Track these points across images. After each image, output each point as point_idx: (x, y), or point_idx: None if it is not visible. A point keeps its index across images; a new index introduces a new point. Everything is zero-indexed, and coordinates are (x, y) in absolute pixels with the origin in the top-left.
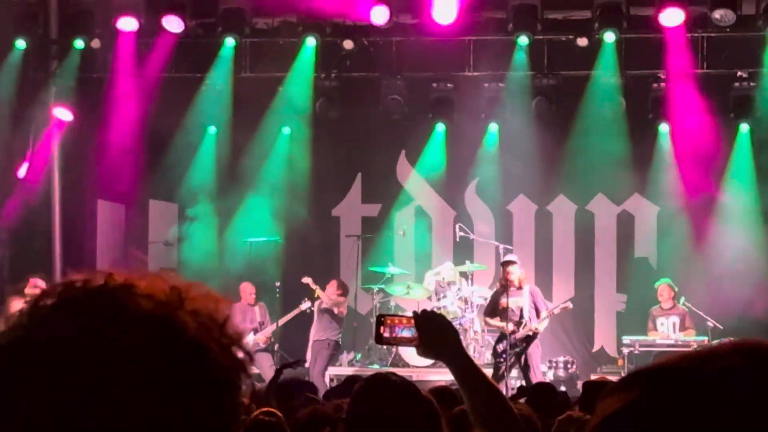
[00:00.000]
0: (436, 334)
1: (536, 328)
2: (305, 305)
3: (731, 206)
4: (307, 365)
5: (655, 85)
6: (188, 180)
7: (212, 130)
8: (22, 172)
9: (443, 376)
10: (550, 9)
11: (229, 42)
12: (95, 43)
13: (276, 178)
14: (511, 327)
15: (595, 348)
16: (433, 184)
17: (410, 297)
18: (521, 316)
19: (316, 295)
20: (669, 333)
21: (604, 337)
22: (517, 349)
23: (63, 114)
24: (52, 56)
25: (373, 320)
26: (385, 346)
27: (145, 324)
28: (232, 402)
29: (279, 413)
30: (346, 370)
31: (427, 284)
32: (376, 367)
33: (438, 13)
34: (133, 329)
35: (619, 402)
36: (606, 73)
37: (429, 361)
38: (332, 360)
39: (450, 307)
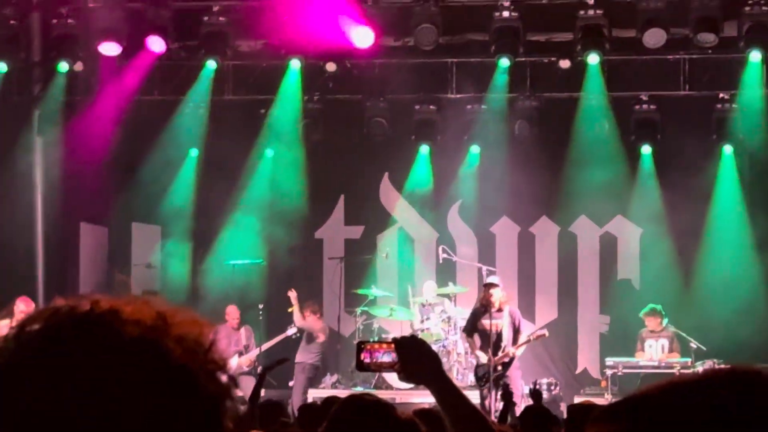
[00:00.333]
0: (416, 358)
1: (513, 353)
2: (291, 331)
3: (714, 228)
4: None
5: (637, 106)
6: (171, 202)
7: (194, 152)
8: None
9: (427, 398)
10: (532, 31)
11: (211, 64)
12: (78, 66)
13: (259, 200)
14: (484, 358)
15: (579, 370)
16: (416, 206)
17: (393, 319)
18: (499, 339)
19: (290, 310)
20: (657, 355)
21: (587, 359)
22: (497, 374)
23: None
24: (35, 79)
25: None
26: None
27: (132, 350)
28: (217, 428)
29: None
30: (330, 393)
31: (411, 306)
32: (359, 389)
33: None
34: (120, 355)
35: None
36: (590, 95)
37: (412, 383)
38: (311, 383)
39: (434, 328)
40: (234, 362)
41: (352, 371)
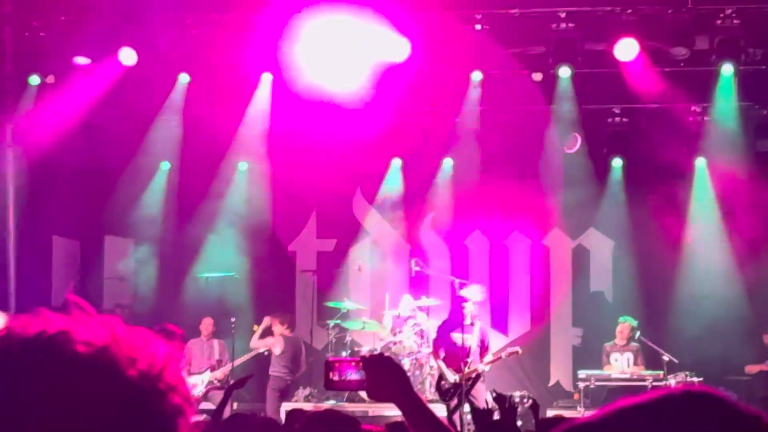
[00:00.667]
0: (383, 376)
1: (481, 370)
2: (263, 348)
3: (688, 240)
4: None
5: (610, 119)
6: (143, 215)
7: (166, 165)
8: None
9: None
10: (504, 44)
11: (183, 78)
12: (50, 79)
13: (232, 213)
14: (452, 378)
15: (551, 382)
16: (389, 219)
17: (366, 332)
18: (467, 354)
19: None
20: (624, 368)
21: (560, 372)
22: (465, 389)
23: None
24: (6, 92)
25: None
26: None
27: (83, 370)
28: None
29: None
30: (302, 406)
31: (384, 319)
32: (332, 402)
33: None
34: (70, 376)
35: None
36: (560, 108)
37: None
38: (283, 396)
39: (406, 341)
40: (207, 376)
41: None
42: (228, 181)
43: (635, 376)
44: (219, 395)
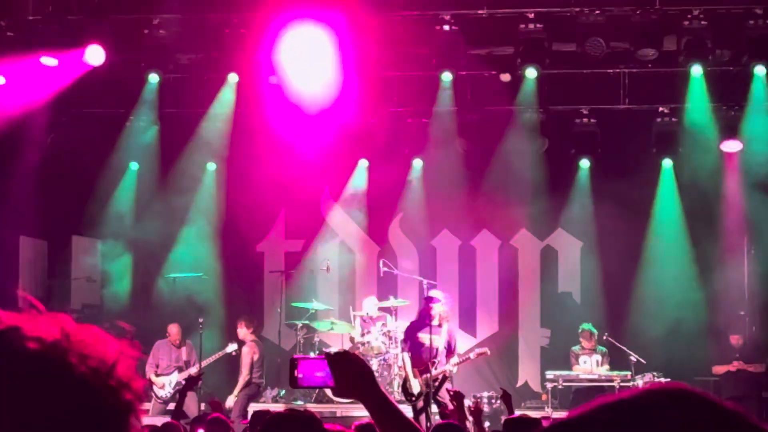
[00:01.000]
0: (349, 373)
1: (449, 371)
2: (230, 347)
3: (652, 241)
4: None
5: (577, 120)
6: (111, 216)
7: (134, 165)
8: None
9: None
10: (473, 45)
11: (153, 78)
12: (18, 78)
13: (200, 214)
14: (417, 388)
15: (519, 383)
16: (357, 219)
17: (334, 332)
18: (435, 355)
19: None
20: (592, 368)
21: (528, 372)
22: (432, 390)
23: None
24: None
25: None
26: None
27: (32, 365)
28: None
29: None
30: (271, 407)
31: (352, 319)
32: (300, 403)
33: None
34: (20, 371)
35: None
36: (528, 109)
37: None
38: (250, 399)
39: (374, 342)
40: (175, 377)
41: None
42: (196, 181)
43: (603, 377)
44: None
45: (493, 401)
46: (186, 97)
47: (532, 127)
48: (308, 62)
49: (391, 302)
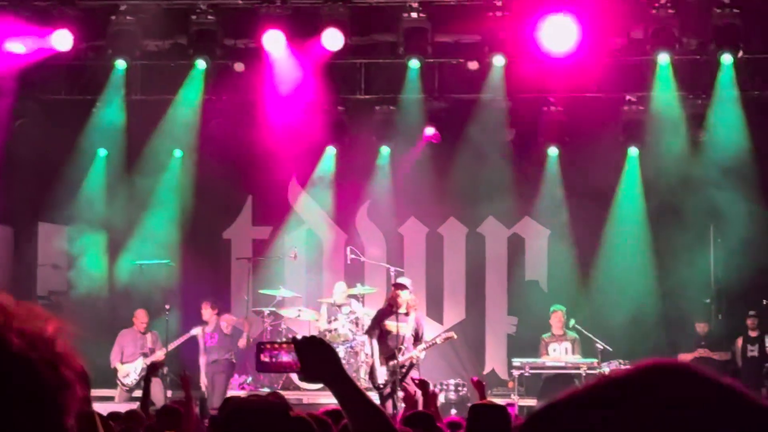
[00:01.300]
0: (315, 358)
1: (416, 356)
2: (195, 331)
3: (615, 229)
4: (204, 388)
5: (545, 108)
6: (78, 202)
7: (103, 152)
8: None
9: (334, 399)
10: (440, 33)
11: (120, 64)
12: None
13: (167, 200)
14: (384, 375)
15: (486, 370)
16: (325, 206)
17: (301, 319)
18: (401, 342)
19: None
20: (561, 357)
21: (494, 360)
22: (399, 377)
23: None
24: None
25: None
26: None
27: None
28: (54, 420)
29: None
30: (238, 393)
31: (319, 306)
32: (266, 390)
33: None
34: None
35: None
36: (496, 97)
37: (320, 384)
38: (227, 381)
39: (341, 329)
40: (139, 364)
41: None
42: (163, 168)
43: (570, 365)
44: (153, 381)
45: (460, 389)
46: (153, 84)
47: (499, 116)
48: (277, 49)
49: (358, 289)
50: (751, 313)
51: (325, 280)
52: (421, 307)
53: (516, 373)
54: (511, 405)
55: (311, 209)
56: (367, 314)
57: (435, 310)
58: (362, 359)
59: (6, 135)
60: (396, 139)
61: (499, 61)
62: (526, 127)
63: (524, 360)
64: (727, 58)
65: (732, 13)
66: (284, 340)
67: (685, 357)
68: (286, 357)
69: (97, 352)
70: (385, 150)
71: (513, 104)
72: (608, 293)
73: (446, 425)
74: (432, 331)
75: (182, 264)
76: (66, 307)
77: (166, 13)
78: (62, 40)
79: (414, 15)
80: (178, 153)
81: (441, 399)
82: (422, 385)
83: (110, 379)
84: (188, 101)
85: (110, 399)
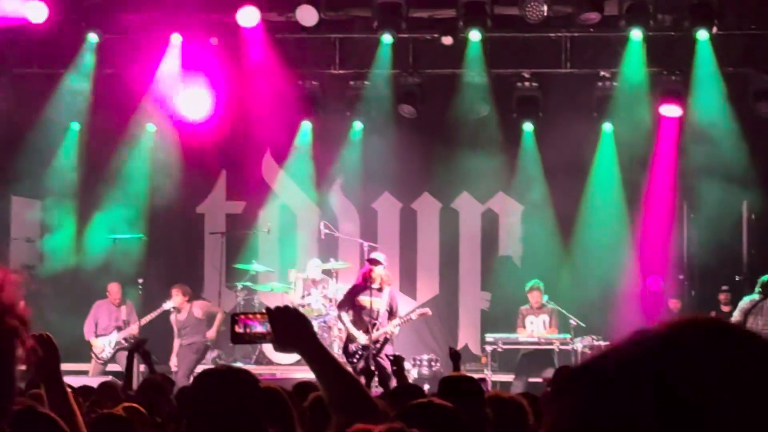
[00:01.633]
0: (289, 327)
1: (391, 332)
2: (168, 304)
3: (590, 205)
4: (174, 369)
5: (519, 84)
6: (51, 176)
7: (76, 126)
8: None
9: (307, 373)
10: (414, 7)
11: (93, 37)
12: None
13: (140, 175)
14: (363, 339)
15: (459, 346)
16: (298, 181)
17: (275, 294)
18: (375, 317)
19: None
20: (538, 331)
21: (468, 335)
22: (373, 351)
23: None
24: None
25: (230, 315)
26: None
27: None
28: (6, 362)
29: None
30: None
31: (292, 281)
32: (239, 365)
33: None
34: None
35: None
36: (471, 72)
37: (293, 359)
38: (201, 358)
39: (314, 304)
40: (114, 337)
41: (232, 346)
42: (136, 142)
43: (543, 340)
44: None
45: (433, 364)
46: (127, 58)
47: (474, 91)
48: (251, 23)
49: (332, 264)
50: (724, 288)
51: (299, 255)
52: (394, 283)
53: (489, 348)
54: (482, 381)
55: (285, 184)
56: (340, 290)
57: (408, 286)
58: (335, 334)
59: None
60: (370, 114)
61: (475, 36)
62: (500, 103)
63: (497, 335)
64: (702, 35)
65: None
66: (257, 310)
67: None
68: (260, 327)
69: (70, 326)
70: (358, 125)
71: (487, 80)
72: (581, 269)
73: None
74: (405, 306)
75: (155, 238)
76: (39, 280)
77: None
78: (37, 11)
79: None
80: (151, 127)
81: (414, 374)
82: (397, 360)
83: (84, 352)
84: (162, 75)
85: (84, 373)
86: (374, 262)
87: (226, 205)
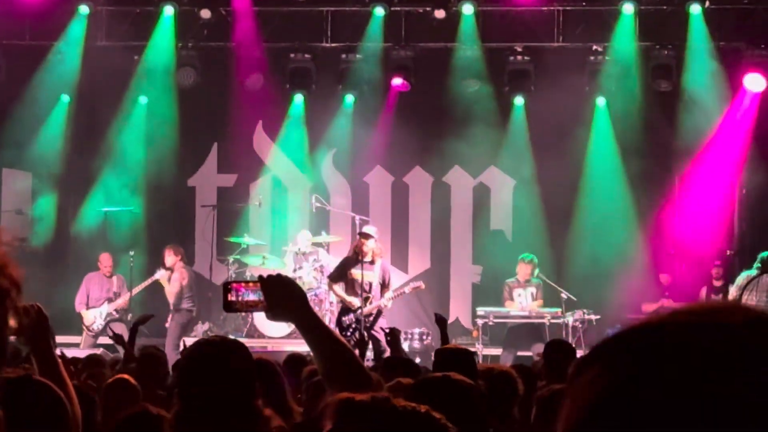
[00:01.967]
0: (282, 295)
1: (384, 305)
2: (159, 273)
3: (586, 180)
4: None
5: (511, 57)
6: (42, 148)
7: (66, 98)
8: None
9: (299, 346)
10: None
11: (83, 9)
12: None
13: (132, 147)
14: (357, 302)
15: (451, 319)
16: (290, 154)
17: (266, 267)
18: (368, 291)
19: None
20: (526, 304)
21: (459, 309)
22: (366, 324)
23: None
24: None
25: (222, 283)
26: (239, 315)
27: None
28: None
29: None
30: None
31: (286, 258)
32: (231, 337)
33: None
34: None
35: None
36: (464, 46)
37: (284, 332)
38: (186, 330)
39: (306, 277)
40: (105, 309)
41: (224, 319)
42: (128, 114)
43: (534, 314)
44: (118, 326)
45: (425, 337)
46: (118, 30)
47: (466, 64)
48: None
49: (323, 238)
50: (717, 262)
51: (290, 229)
52: (386, 256)
53: (480, 322)
54: (474, 354)
55: (277, 157)
56: (332, 262)
57: (400, 259)
58: (327, 307)
59: None
60: (361, 87)
61: (468, 9)
62: (492, 77)
63: (488, 309)
64: (695, 8)
65: None
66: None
67: (648, 307)
68: (252, 296)
69: (62, 298)
70: (350, 98)
71: (480, 53)
72: (572, 243)
73: None
74: (397, 280)
75: (146, 211)
76: (30, 252)
77: None
78: None
79: None
80: (143, 99)
81: (405, 347)
82: (392, 333)
83: (76, 324)
84: (155, 48)
85: (75, 345)
86: (366, 235)
87: (217, 178)
